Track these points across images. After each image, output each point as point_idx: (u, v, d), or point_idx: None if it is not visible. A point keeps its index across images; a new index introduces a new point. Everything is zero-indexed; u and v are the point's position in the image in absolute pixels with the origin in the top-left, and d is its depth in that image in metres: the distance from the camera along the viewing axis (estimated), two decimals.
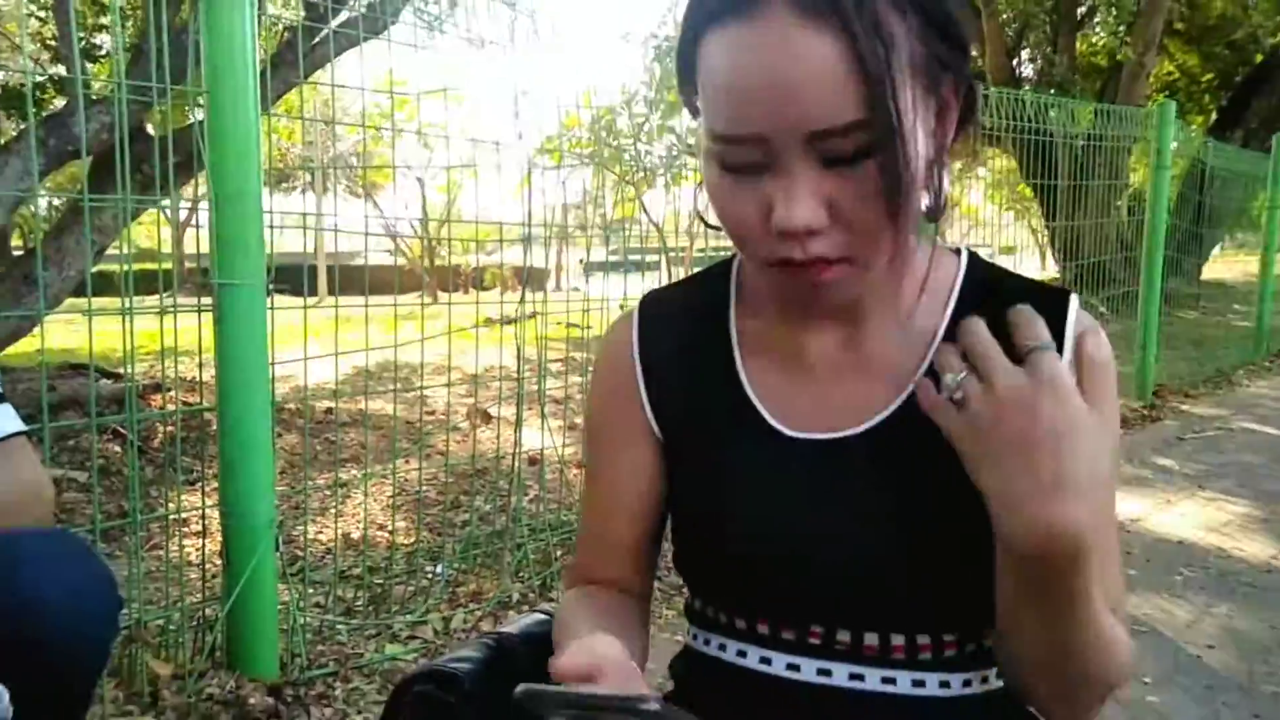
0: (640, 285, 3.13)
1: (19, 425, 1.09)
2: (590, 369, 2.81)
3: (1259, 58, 13.18)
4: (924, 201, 0.64)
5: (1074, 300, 0.69)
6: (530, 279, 2.76)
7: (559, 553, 2.55)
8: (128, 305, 1.85)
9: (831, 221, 0.59)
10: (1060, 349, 0.65)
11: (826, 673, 0.68)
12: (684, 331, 0.78)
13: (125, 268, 2.04)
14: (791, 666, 0.70)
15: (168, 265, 2.46)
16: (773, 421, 0.71)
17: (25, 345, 4.15)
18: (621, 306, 2.81)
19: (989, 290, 0.71)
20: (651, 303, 0.82)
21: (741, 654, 0.72)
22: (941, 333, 0.70)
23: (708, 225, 0.68)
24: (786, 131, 0.57)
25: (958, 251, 0.75)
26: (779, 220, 0.59)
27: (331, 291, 3.13)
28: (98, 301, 1.94)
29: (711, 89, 0.59)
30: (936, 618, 0.68)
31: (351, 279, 3.02)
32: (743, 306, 0.77)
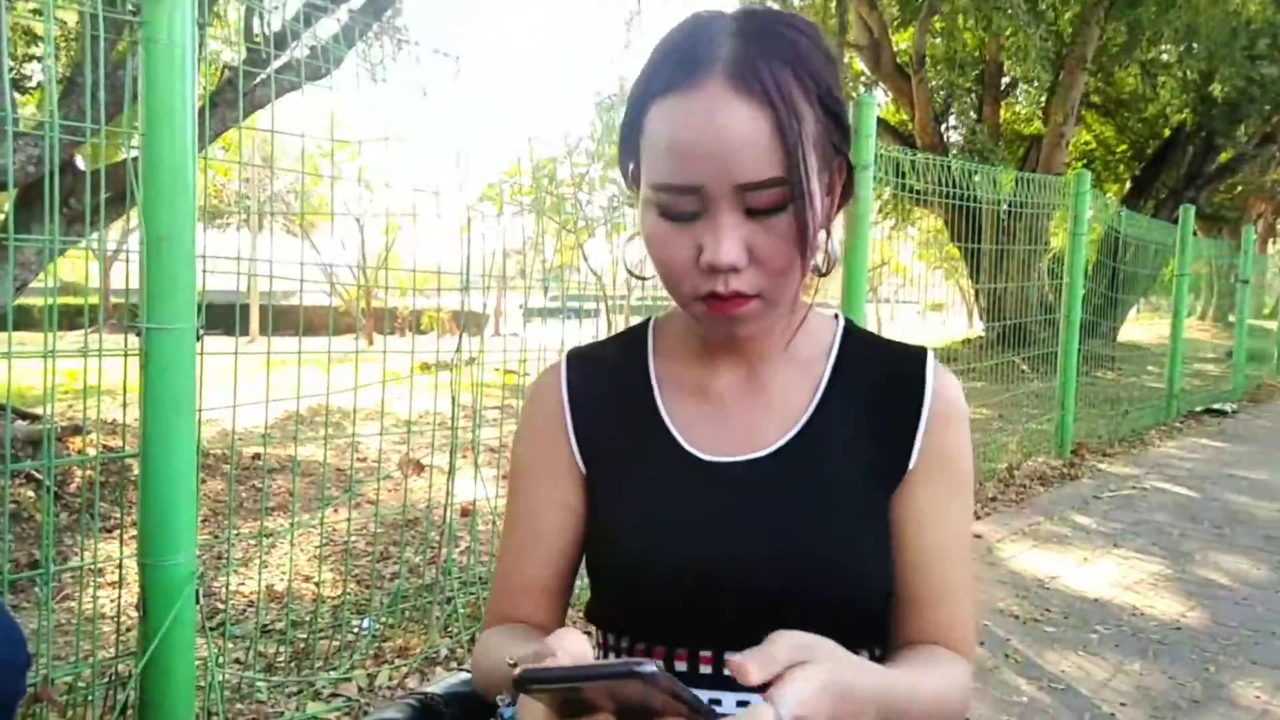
0: (579, 332, 3.15)
1: None
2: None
3: (1167, 132, 13.99)
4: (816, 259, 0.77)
5: (931, 354, 0.85)
6: (469, 324, 2.75)
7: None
8: (51, 344, 1.80)
9: (750, 262, 0.70)
10: (921, 398, 0.81)
11: (716, 702, 0.74)
12: (609, 376, 0.87)
13: (48, 302, 1.98)
14: None
15: (93, 301, 2.40)
16: (689, 447, 0.81)
17: None
18: (559, 354, 2.81)
19: (860, 344, 0.86)
20: (576, 354, 0.91)
21: None
22: (828, 372, 0.83)
23: (633, 275, 0.83)
24: (719, 182, 0.68)
25: (836, 316, 0.90)
26: (708, 257, 0.70)
27: (264, 332, 3.08)
28: (17, 337, 1.89)
29: (656, 148, 0.71)
30: (831, 626, 0.69)
31: (285, 319, 2.97)
32: (661, 354, 0.87)
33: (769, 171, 0.68)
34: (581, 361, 0.89)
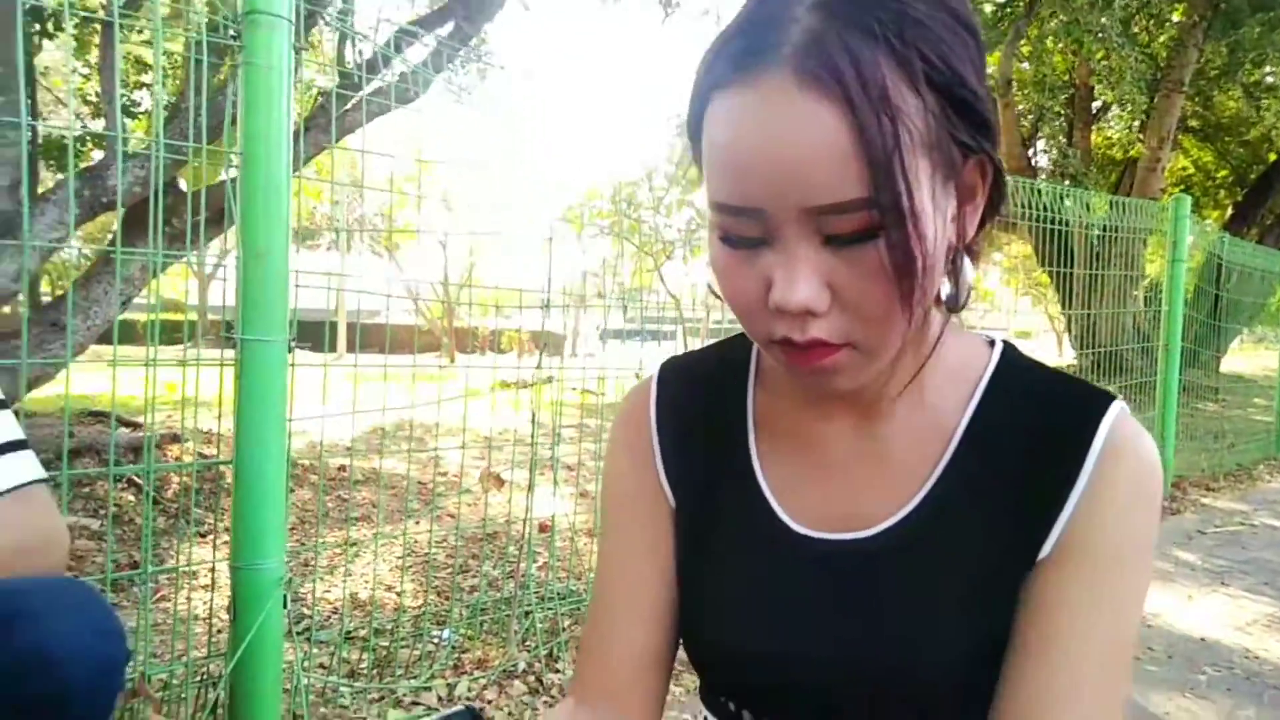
0: (656, 353, 3.14)
1: (39, 473, 1.10)
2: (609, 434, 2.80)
3: (1272, 157, 13.37)
4: (943, 290, 0.61)
5: (1115, 408, 0.63)
6: (548, 345, 2.78)
7: (567, 623, 2.51)
8: (152, 356, 1.88)
9: (834, 303, 0.55)
10: (1081, 462, 0.61)
11: None
12: (701, 403, 0.75)
13: (150, 317, 2.07)
14: None
15: (193, 317, 2.50)
16: (783, 516, 0.69)
17: (46, 390, 4.19)
18: (636, 375, 2.82)
19: (1018, 386, 0.67)
20: (671, 369, 0.79)
21: None
22: (964, 426, 0.66)
23: (716, 295, 0.64)
24: (784, 206, 0.53)
25: (992, 343, 0.70)
26: (777, 298, 0.55)
27: (351, 349, 3.16)
28: (121, 350, 1.97)
29: (712, 157, 0.56)
30: None
31: (371, 337, 3.05)
32: (762, 383, 0.74)
33: (849, 192, 0.51)
34: (676, 377, 0.78)
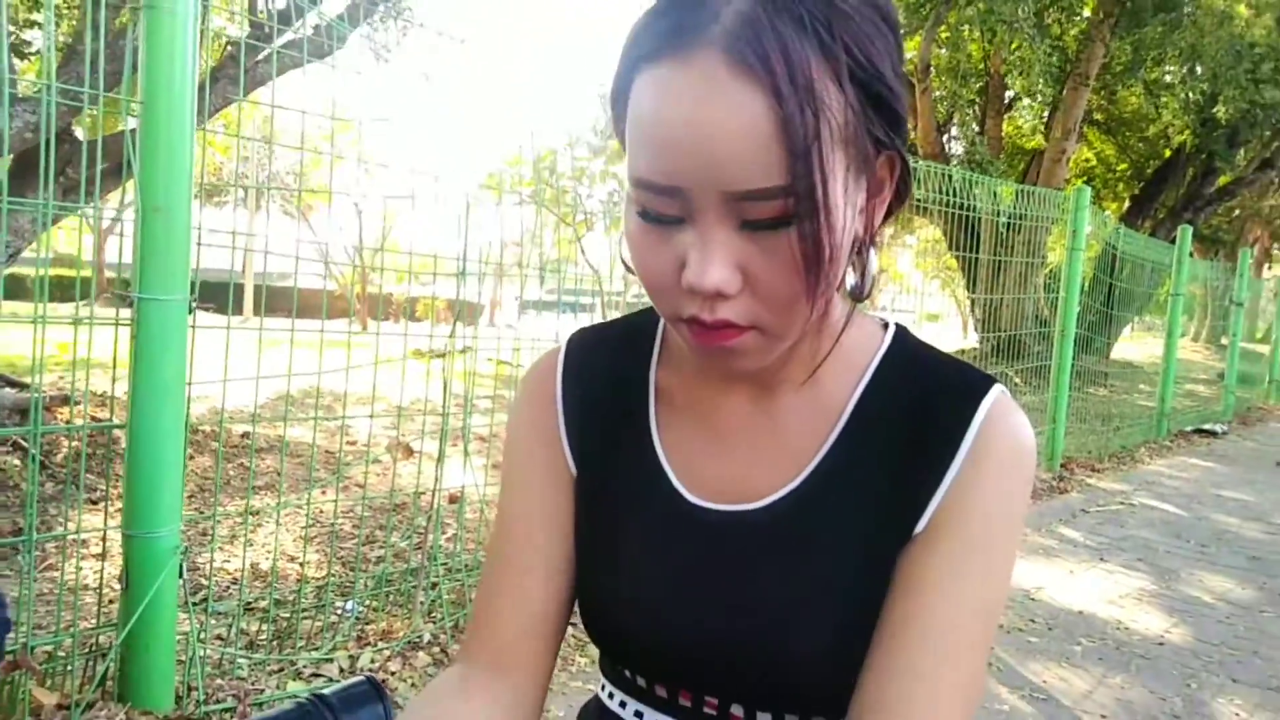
0: (573, 325, 3.14)
1: None
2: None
3: (1168, 153, 14.05)
4: (849, 280, 0.62)
5: (994, 391, 0.65)
6: (464, 314, 2.74)
7: (474, 595, 2.50)
8: (41, 313, 1.79)
9: (745, 287, 0.56)
10: (958, 442, 0.63)
11: None
12: (606, 373, 0.76)
13: (40, 272, 1.96)
14: None
15: (86, 273, 2.38)
16: (679, 486, 0.70)
17: None
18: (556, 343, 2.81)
19: (905, 370, 0.69)
20: (578, 339, 0.79)
21: (639, 715, 0.72)
22: (852, 405, 0.67)
23: (629, 269, 0.65)
24: (705, 188, 0.53)
25: (886, 325, 0.72)
26: (689, 278, 0.55)
27: (257, 312, 3.06)
28: (9, 306, 1.87)
29: (636, 132, 0.56)
30: (827, 700, 0.65)
31: (279, 300, 2.96)
32: (666, 356, 0.75)
33: (768, 178, 0.52)
34: (582, 347, 0.78)
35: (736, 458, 0.69)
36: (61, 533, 2.47)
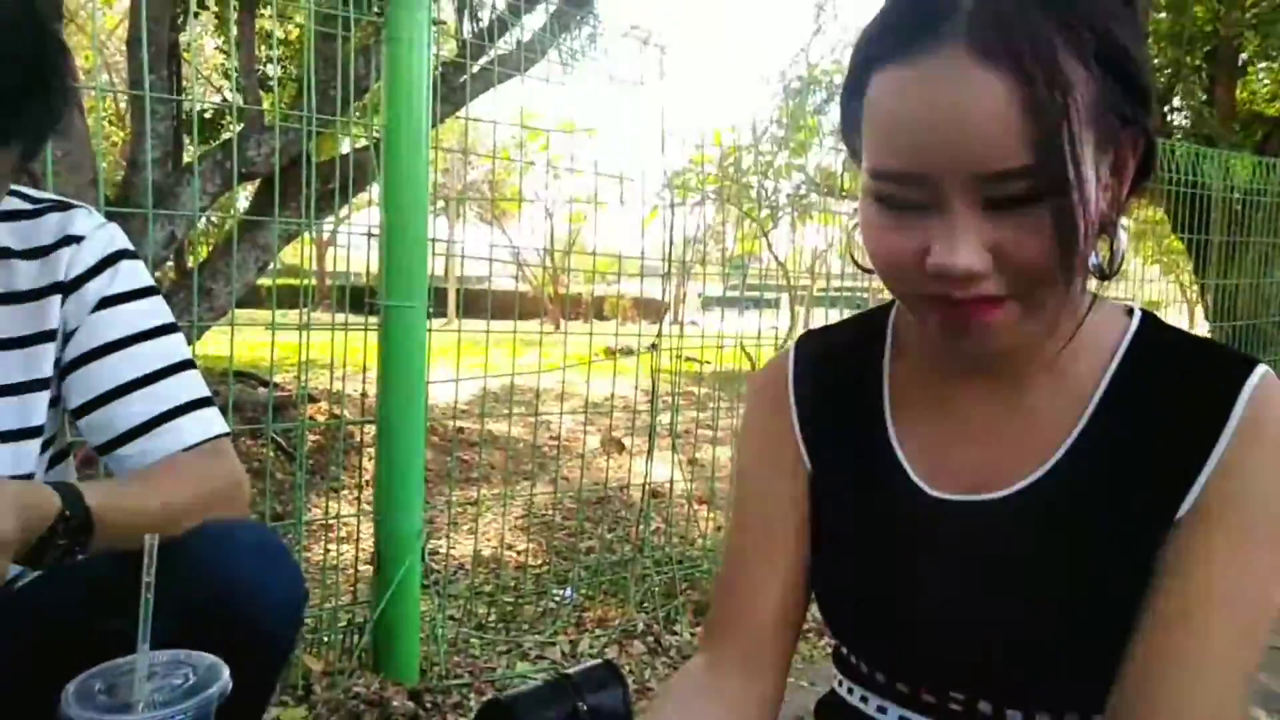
0: (758, 321, 3.14)
1: (225, 427, 1.18)
2: (715, 403, 2.81)
3: None
4: (1093, 259, 0.62)
5: (1260, 370, 0.62)
6: (649, 311, 2.80)
7: (683, 586, 2.56)
8: (306, 320, 1.99)
9: (995, 267, 0.57)
10: (1223, 423, 0.61)
11: None
12: (837, 374, 0.77)
13: (304, 282, 2.19)
14: None
15: (355, 284, 2.66)
16: (917, 480, 0.70)
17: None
18: (738, 342, 2.82)
19: (1158, 353, 0.67)
20: (807, 341, 0.82)
21: (882, 710, 0.72)
22: (1101, 391, 0.66)
23: (860, 267, 0.68)
24: (952, 172, 0.55)
25: (1130, 311, 0.71)
26: (938, 262, 0.57)
27: (458, 313, 3.24)
28: (255, 315, 2.09)
29: (877, 125, 0.58)
30: (1082, 694, 0.64)
31: (473, 303, 3.11)
32: (897, 354, 0.76)
33: (1016, 159, 0.53)
34: (810, 350, 0.80)
35: (978, 447, 0.69)
36: (319, 517, 2.73)
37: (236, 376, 4.77)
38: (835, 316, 3.48)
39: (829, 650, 0.77)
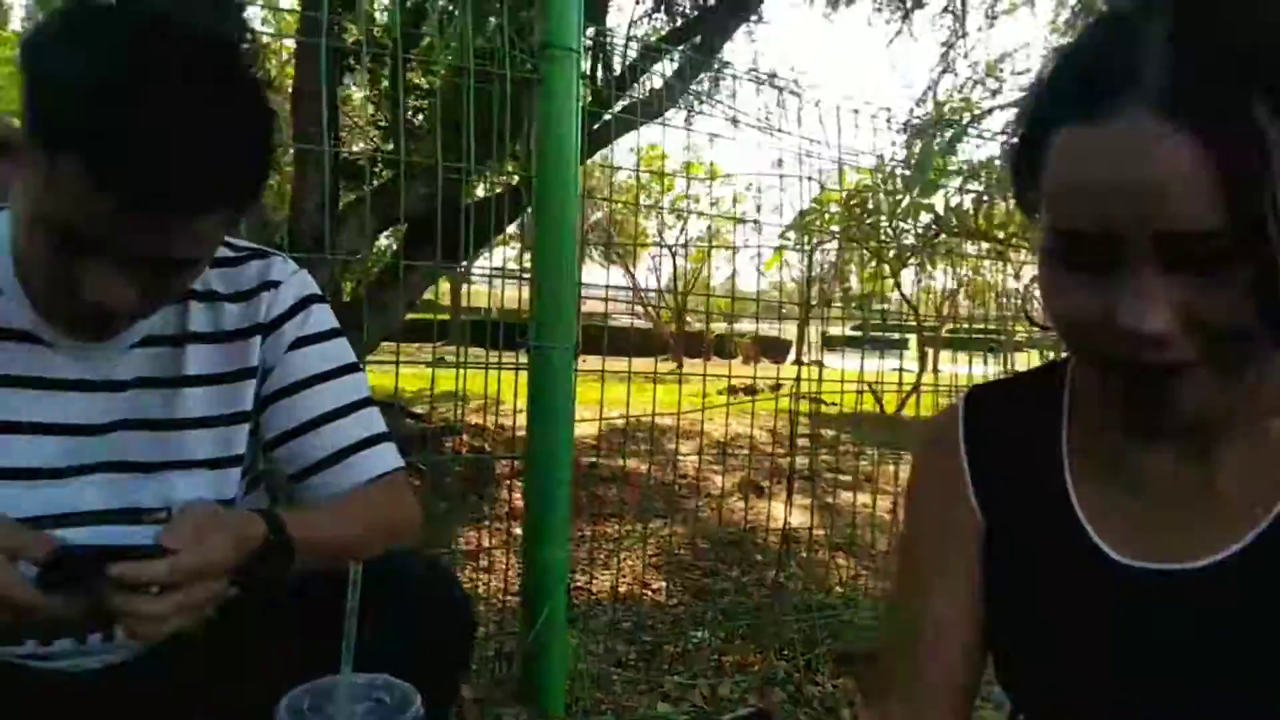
0: (878, 363, 3.07)
1: (400, 461, 1.24)
2: (848, 446, 2.76)
3: None
4: None
5: None
6: (771, 349, 2.79)
7: (823, 635, 2.52)
8: (461, 358, 2.09)
9: (1186, 328, 0.55)
10: None
11: None
12: (1013, 429, 0.76)
13: (459, 318, 2.31)
14: None
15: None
16: (1104, 546, 0.68)
17: None
18: (862, 381, 2.77)
19: None
20: (980, 396, 0.81)
21: None
22: None
23: (1034, 324, 0.67)
24: (1141, 233, 0.54)
25: None
26: (1127, 322, 0.55)
27: (588, 350, 3.31)
28: (408, 349, 2.19)
29: (1062, 185, 0.57)
30: None
31: (592, 340, 3.16)
32: (1076, 417, 0.74)
33: (1208, 222, 0.51)
34: (985, 403, 0.79)
35: (1166, 515, 0.66)
36: (467, 547, 2.84)
37: (383, 408, 5.00)
38: (964, 359, 3.38)
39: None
